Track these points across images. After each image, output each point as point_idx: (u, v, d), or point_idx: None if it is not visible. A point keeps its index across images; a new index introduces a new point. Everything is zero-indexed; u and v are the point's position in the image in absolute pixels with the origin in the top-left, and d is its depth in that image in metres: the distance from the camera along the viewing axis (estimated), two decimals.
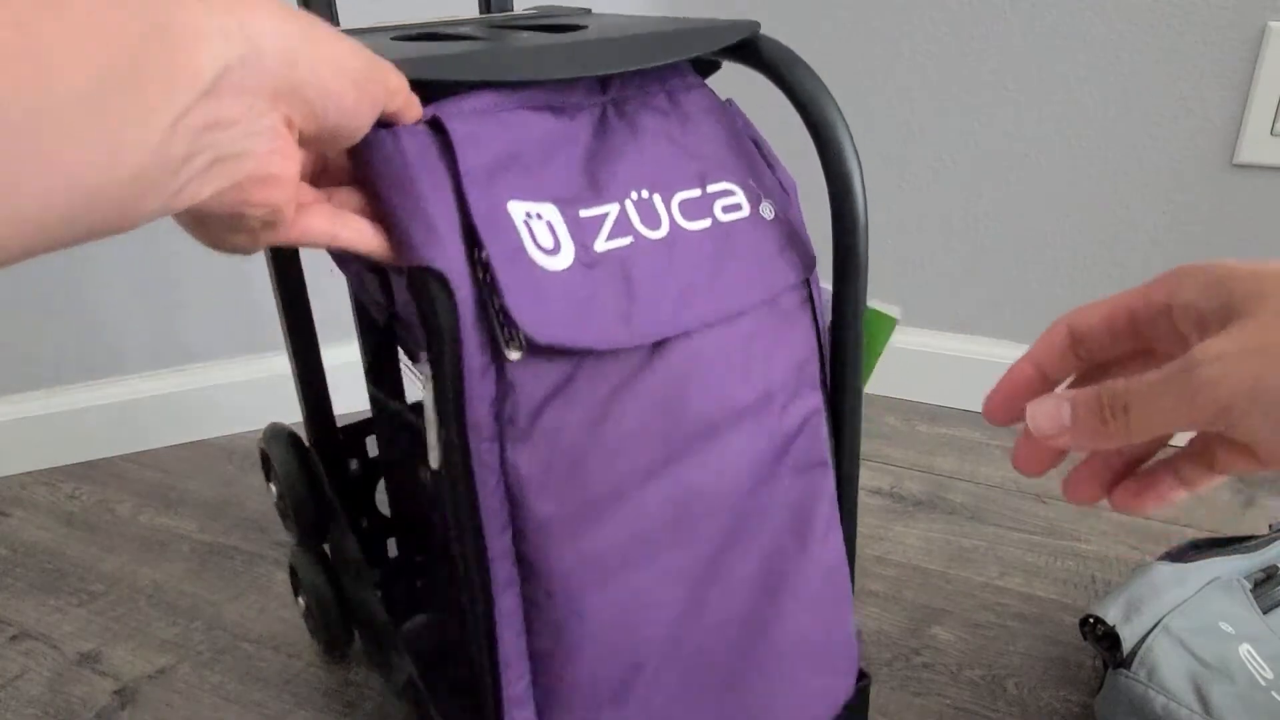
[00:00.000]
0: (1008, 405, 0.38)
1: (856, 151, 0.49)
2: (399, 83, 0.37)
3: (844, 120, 0.48)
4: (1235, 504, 0.92)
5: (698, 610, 0.48)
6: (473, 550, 0.43)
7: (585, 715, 0.46)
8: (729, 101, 0.52)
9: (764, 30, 0.51)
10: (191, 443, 1.08)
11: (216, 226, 0.33)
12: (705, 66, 0.54)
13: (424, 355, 0.41)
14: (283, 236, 0.35)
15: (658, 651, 0.47)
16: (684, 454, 0.46)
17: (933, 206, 1.06)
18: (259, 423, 1.10)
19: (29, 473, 1.03)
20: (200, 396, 1.08)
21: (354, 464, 0.71)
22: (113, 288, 1.02)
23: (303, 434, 0.70)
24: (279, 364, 1.07)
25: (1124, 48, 0.92)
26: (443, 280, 0.39)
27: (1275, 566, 0.69)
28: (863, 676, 0.59)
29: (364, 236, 0.40)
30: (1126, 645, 0.62)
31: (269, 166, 0.31)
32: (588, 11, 0.61)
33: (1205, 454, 0.34)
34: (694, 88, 0.50)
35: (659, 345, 0.44)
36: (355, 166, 0.41)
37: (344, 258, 0.50)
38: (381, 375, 0.62)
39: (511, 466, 0.42)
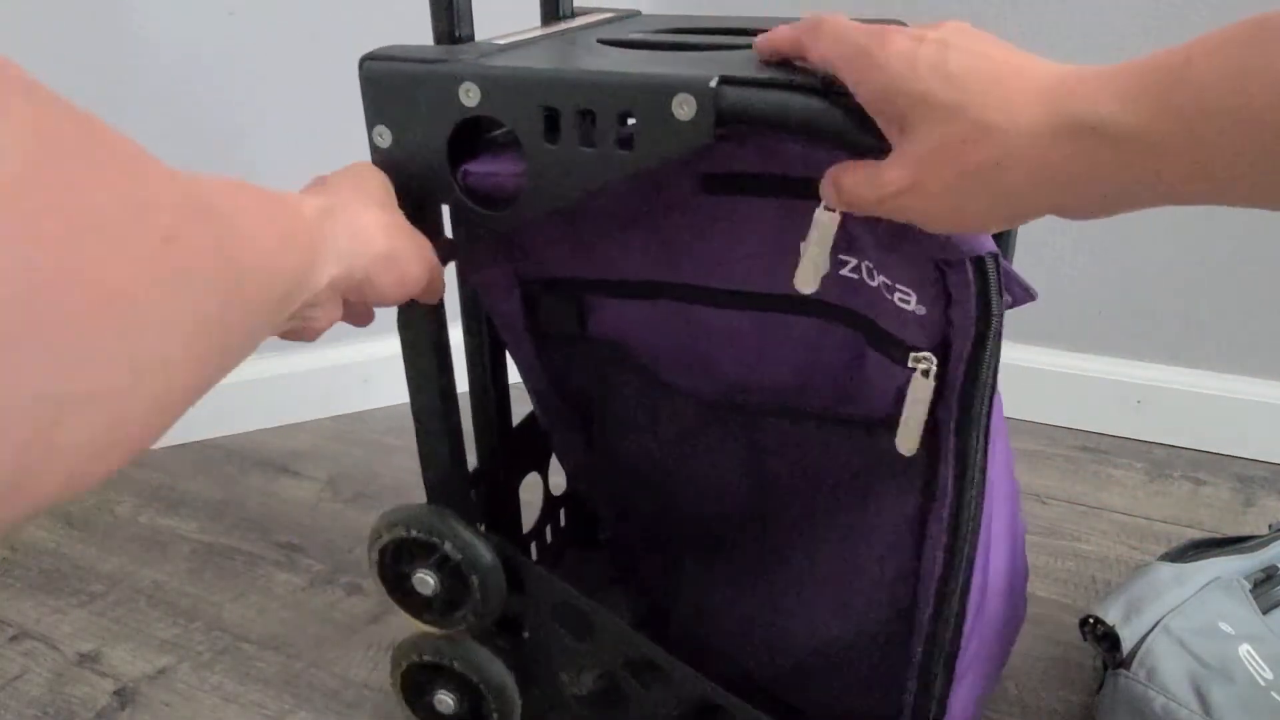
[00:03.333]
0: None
1: None
2: (436, 283, 0.48)
3: None
4: (1235, 504, 0.92)
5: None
6: (969, 547, 0.48)
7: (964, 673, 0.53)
8: None
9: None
10: (191, 443, 1.08)
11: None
12: None
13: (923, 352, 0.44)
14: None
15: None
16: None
17: None
18: (259, 423, 1.10)
19: None
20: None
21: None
22: None
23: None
24: (279, 364, 1.07)
25: (1124, 48, 0.92)
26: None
27: (1275, 566, 0.69)
28: None
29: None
30: (1126, 645, 0.62)
31: (319, 325, 0.42)
32: (637, 13, 0.63)
33: None
34: None
35: None
36: None
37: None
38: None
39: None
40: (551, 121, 0.44)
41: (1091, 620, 0.65)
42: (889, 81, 0.35)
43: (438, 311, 0.53)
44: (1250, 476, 0.96)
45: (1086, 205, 0.34)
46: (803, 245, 0.42)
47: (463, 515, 0.56)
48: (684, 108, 0.41)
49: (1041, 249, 1.02)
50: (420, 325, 0.53)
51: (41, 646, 0.77)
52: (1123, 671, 0.61)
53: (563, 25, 0.58)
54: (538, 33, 0.55)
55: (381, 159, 0.48)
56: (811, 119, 0.40)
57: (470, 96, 0.45)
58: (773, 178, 0.46)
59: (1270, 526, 0.76)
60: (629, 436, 0.59)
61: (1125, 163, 0.31)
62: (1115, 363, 1.04)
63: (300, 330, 0.42)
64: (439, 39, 0.50)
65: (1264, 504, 0.92)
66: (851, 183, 0.38)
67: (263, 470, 1.01)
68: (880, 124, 0.37)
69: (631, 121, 0.43)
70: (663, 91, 0.41)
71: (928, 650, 0.51)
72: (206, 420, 1.08)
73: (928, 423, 0.45)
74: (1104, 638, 0.64)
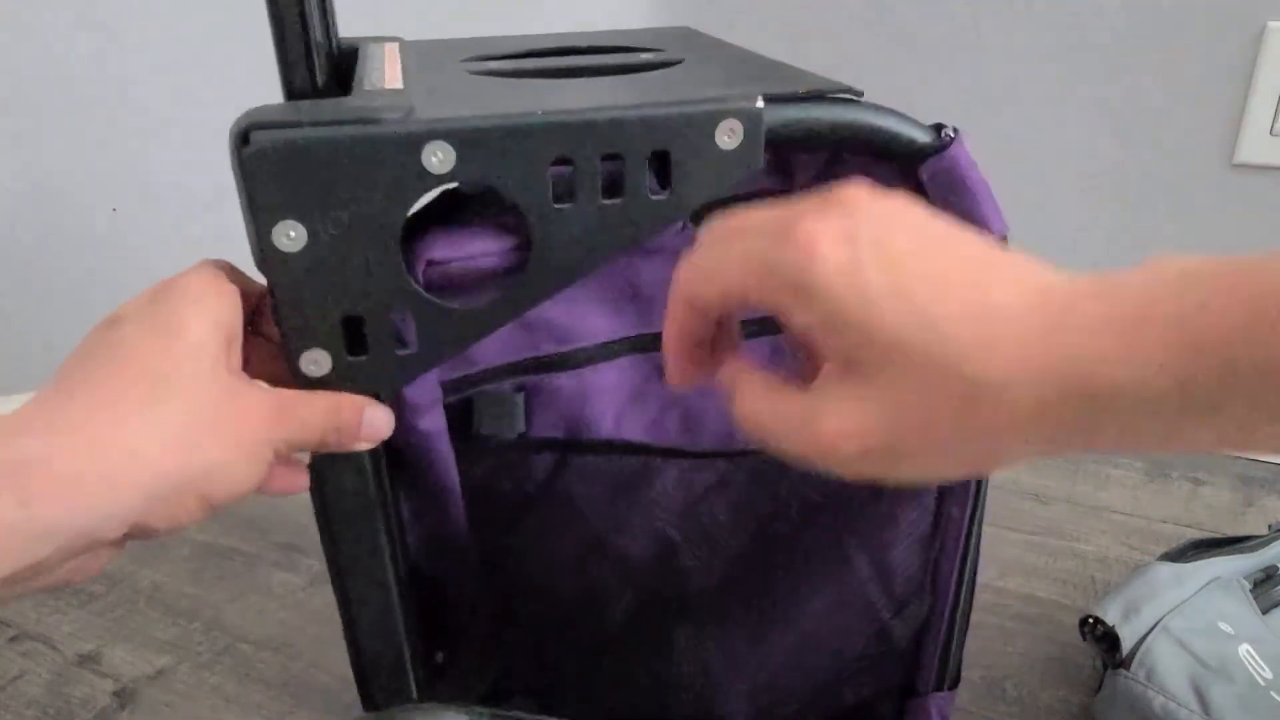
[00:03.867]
0: (684, 372, 0.34)
1: None
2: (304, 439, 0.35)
3: None
4: (1235, 504, 0.92)
5: None
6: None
7: None
8: None
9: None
10: None
11: None
12: None
13: None
14: None
15: None
16: None
17: None
18: None
19: None
20: None
21: None
22: (112, 288, 1.02)
23: None
24: None
25: (1124, 48, 0.92)
26: None
27: (1275, 567, 0.69)
28: None
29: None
30: (1126, 645, 0.62)
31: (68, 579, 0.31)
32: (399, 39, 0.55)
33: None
34: None
35: None
36: None
37: None
38: None
39: None
40: (561, 176, 0.36)
41: (1091, 620, 0.65)
42: (832, 312, 0.26)
43: (368, 461, 0.39)
44: (1250, 477, 0.96)
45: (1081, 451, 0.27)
46: None
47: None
48: (729, 136, 0.36)
49: (1042, 249, 1.02)
50: (340, 483, 0.39)
51: (41, 647, 0.77)
52: (1122, 671, 0.61)
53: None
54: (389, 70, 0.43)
55: (284, 268, 0.34)
56: (861, 128, 0.39)
57: (440, 161, 0.34)
58: (769, 194, 0.45)
59: (1270, 526, 0.76)
60: (590, 522, 0.50)
61: (1146, 428, 0.25)
62: None
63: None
64: (295, 94, 0.38)
65: (1264, 504, 0.92)
66: (767, 418, 0.29)
67: None
68: (822, 350, 0.28)
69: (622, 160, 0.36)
70: (706, 120, 0.36)
71: (953, 613, 0.53)
72: None
73: None
74: (1103, 638, 0.64)
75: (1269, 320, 0.22)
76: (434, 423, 0.43)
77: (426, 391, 0.42)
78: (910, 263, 0.27)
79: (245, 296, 0.36)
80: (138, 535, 0.30)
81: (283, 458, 0.33)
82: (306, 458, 0.38)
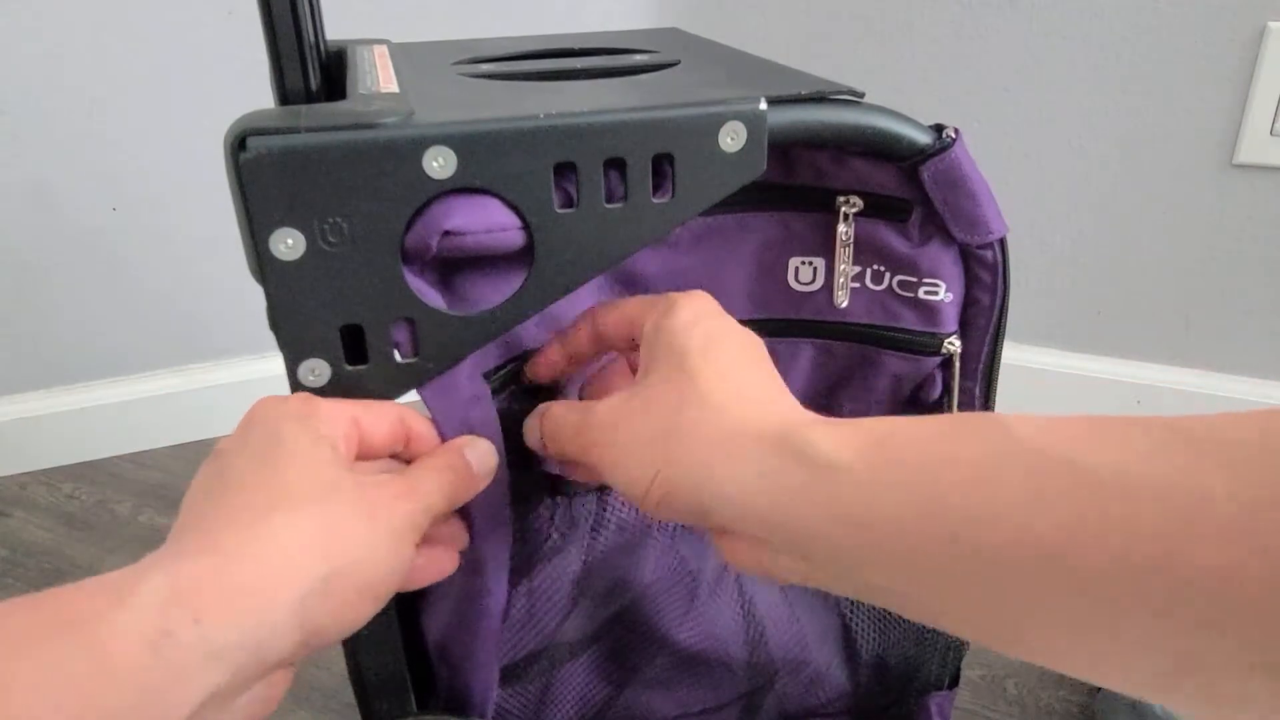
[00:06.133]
0: (552, 366, 0.42)
1: None
2: (455, 497, 0.36)
3: None
4: None
5: None
6: None
7: None
8: None
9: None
10: (191, 443, 1.08)
11: None
12: None
13: None
14: None
15: None
16: None
17: None
18: None
19: (29, 473, 1.03)
20: (200, 396, 1.08)
21: None
22: (112, 288, 1.02)
23: None
24: (278, 364, 1.07)
25: (1124, 48, 0.92)
26: None
27: None
28: None
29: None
30: None
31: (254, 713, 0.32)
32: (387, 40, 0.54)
33: None
34: None
35: None
36: None
37: None
38: None
39: None
40: (564, 181, 0.36)
41: None
42: (667, 324, 0.35)
43: None
44: None
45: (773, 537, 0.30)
46: (829, 262, 0.43)
47: None
48: (732, 138, 0.36)
49: (1041, 249, 1.02)
50: None
51: None
52: None
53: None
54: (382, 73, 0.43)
55: (282, 277, 0.33)
56: (862, 129, 0.39)
57: (441, 166, 0.33)
58: (774, 188, 0.45)
59: None
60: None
61: (820, 495, 0.28)
62: (1115, 363, 1.04)
63: None
64: (289, 98, 0.37)
65: None
66: (560, 414, 0.37)
67: None
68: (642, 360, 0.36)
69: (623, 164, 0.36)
70: (709, 122, 0.36)
71: None
72: (206, 420, 1.09)
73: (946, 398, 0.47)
74: None
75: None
76: (485, 411, 0.43)
77: (467, 380, 0.41)
78: (729, 341, 0.35)
79: (341, 408, 0.35)
80: (313, 641, 0.30)
81: (423, 530, 0.34)
82: (460, 540, 0.39)
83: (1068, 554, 0.23)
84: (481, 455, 0.37)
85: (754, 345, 0.36)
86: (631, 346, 0.38)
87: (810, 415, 0.32)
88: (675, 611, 0.53)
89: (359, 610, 0.31)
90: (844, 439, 0.28)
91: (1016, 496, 0.24)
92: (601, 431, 0.34)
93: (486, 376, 0.41)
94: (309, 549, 0.29)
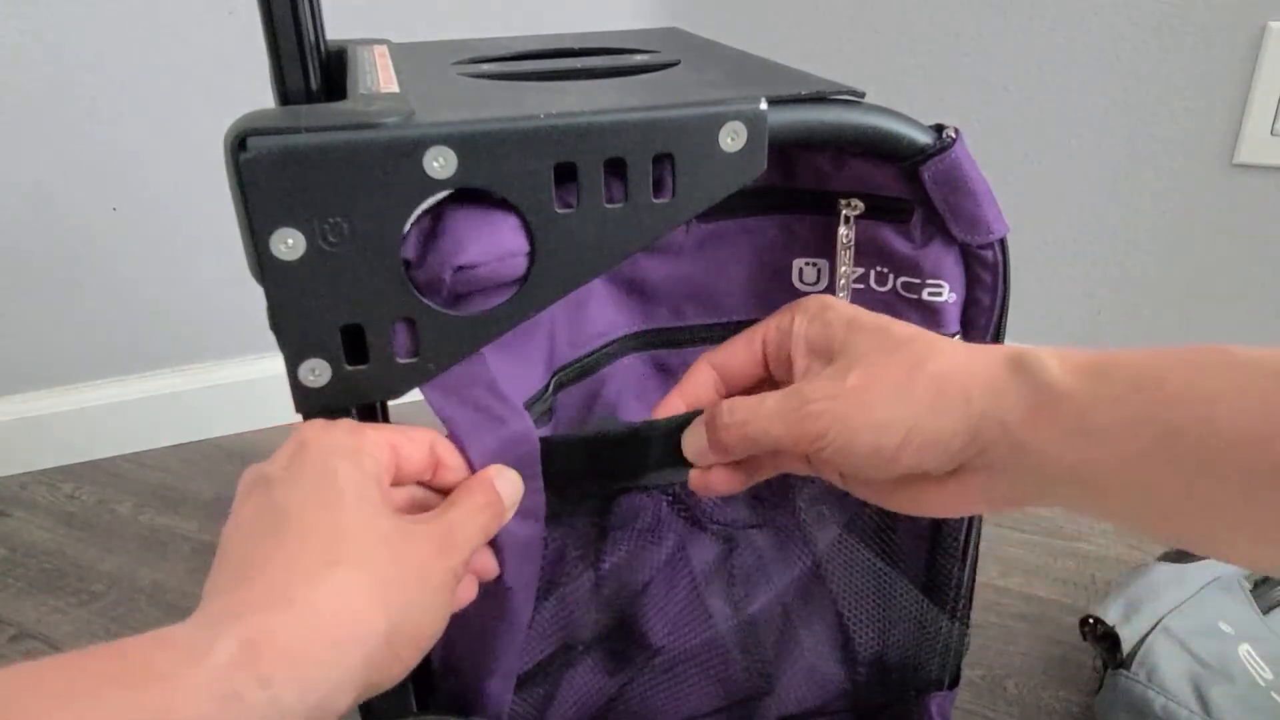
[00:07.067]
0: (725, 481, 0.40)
1: None
2: (488, 529, 0.36)
3: None
4: None
5: None
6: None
7: None
8: None
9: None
10: (191, 443, 1.08)
11: None
12: None
13: None
14: None
15: None
16: None
17: None
18: (259, 423, 1.10)
19: (29, 473, 1.03)
20: (200, 396, 1.08)
21: None
22: (113, 288, 1.02)
23: None
24: (279, 364, 1.07)
25: (1124, 48, 0.92)
26: None
27: None
28: None
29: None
30: (1126, 645, 0.62)
31: None
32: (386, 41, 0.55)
33: (803, 459, 0.39)
34: None
35: None
36: None
37: None
38: None
39: None
40: (564, 181, 0.36)
41: (1091, 620, 0.65)
42: (833, 314, 0.37)
43: None
44: None
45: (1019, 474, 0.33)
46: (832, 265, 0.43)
47: None
48: (733, 138, 0.36)
49: (1042, 249, 1.02)
50: None
51: (42, 646, 0.77)
52: (1122, 671, 0.61)
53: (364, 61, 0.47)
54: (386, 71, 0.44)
55: (282, 277, 0.33)
56: (863, 129, 0.39)
57: (441, 166, 0.33)
58: (775, 192, 0.45)
59: None
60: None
61: (1062, 410, 0.31)
62: None
63: None
64: (289, 98, 0.37)
65: None
66: (753, 403, 0.36)
67: None
68: (801, 362, 0.37)
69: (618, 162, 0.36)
70: (710, 122, 0.36)
71: (953, 612, 0.53)
72: (206, 420, 1.09)
73: None
74: (1104, 638, 0.64)
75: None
76: None
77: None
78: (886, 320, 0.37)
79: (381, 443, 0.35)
80: (364, 695, 0.30)
81: (461, 577, 0.34)
82: (488, 571, 0.39)
83: None
84: (511, 487, 0.37)
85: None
86: (751, 378, 0.40)
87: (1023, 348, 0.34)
88: (671, 613, 0.53)
89: (408, 663, 0.31)
90: (1067, 361, 0.31)
91: (1239, 404, 0.27)
92: (835, 401, 0.34)
93: (529, 405, 0.41)
94: (372, 606, 0.29)
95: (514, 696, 0.50)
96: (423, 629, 0.32)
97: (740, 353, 0.39)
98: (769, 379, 0.40)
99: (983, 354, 0.33)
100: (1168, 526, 0.30)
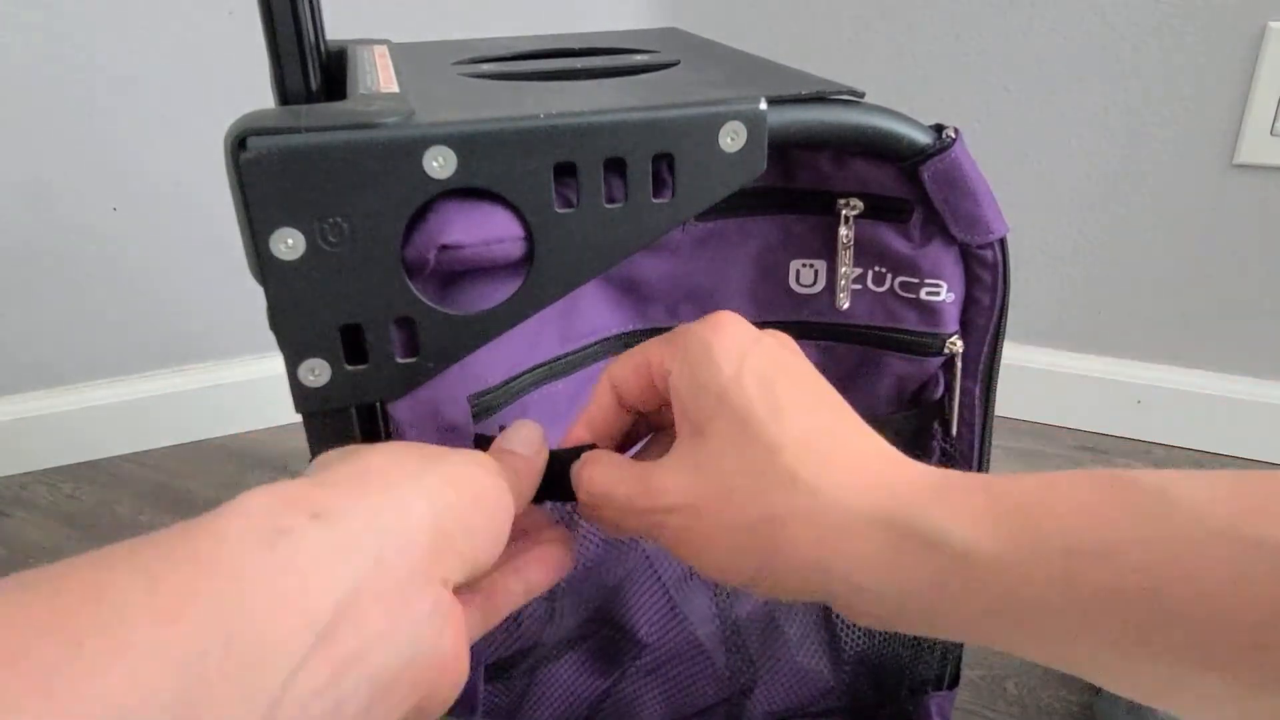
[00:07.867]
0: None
1: None
2: (524, 489, 0.33)
3: None
4: None
5: None
6: None
7: None
8: None
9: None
10: (191, 443, 1.08)
11: None
12: None
13: None
14: None
15: None
16: None
17: None
18: (259, 423, 1.10)
19: (29, 473, 1.03)
20: (200, 396, 1.08)
21: None
22: (113, 288, 1.02)
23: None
24: (279, 364, 1.07)
25: (1124, 48, 0.92)
26: None
27: None
28: None
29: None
30: None
31: (440, 652, 0.26)
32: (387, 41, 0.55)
33: None
34: None
35: None
36: None
37: None
38: None
39: None
40: (564, 181, 0.36)
41: None
42: (708, 374, 0.31)
43: None
44: None
45: (905, 619, 0.28)
46: (833, 265, 0.43)
47: None
48: (732, 138, 0.36)
49: (1042, 249, 1.03)
50: None
51: None
52: None
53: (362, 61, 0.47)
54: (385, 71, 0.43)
55: (282, 277, 0.33)
56: (862, 129, 0.39)
57: (441, 165, 0.33)
58: (775, 192, 0.45)
59: None
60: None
61: (976, 591, 0.26)
62: (1115, 363, 1.04)
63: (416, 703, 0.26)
64: (289, 98, 0.37)
65: None
66: (609, 482, 0.32)
67: (263, 470, 1.01)
68: (676, 417, 0.32)
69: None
70: (710, 122, 0.36)
71: None
72: (206, 420, 1.09)
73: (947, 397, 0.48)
74: None
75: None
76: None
77: (460, 412, 0.39)
78: (788, 375, 0.31)
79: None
80: (448, 559, 0.27)
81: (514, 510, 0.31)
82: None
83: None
84: (529, 438, 0.35)
85: (808, 375, 0.32)
86: (653, 401, 0.35)
87: (913, 474, 0.29)
88: (648, 610, 0.53)
89: (487, 535, 0.29)
90: (972, 517, 0.26)
91: (1218, 583, 0.22)
92: (671, 515, 0.30)
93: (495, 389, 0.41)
94: (429, 474, 0.28)
95: (492, 686, 0.51)
96: (494, 507, 0.30)
97: (631, 378, 0.35)
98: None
99: (858, 516, 0.28)
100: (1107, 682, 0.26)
